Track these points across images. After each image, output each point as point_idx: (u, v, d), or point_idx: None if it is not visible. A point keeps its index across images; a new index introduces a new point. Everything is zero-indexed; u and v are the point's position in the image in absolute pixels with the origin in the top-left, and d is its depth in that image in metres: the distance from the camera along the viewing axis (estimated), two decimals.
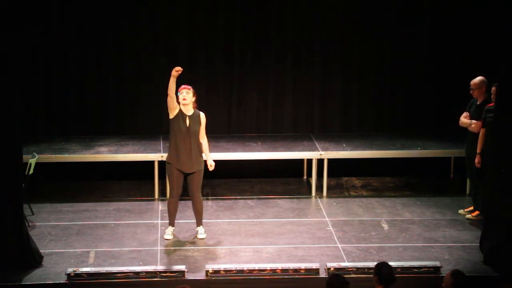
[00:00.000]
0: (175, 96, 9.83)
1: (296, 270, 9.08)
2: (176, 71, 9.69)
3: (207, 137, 10.11)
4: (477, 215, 10.76)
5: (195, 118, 9.94)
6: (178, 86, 9.85)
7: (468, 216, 10.86)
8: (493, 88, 10.20)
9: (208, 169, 10.11)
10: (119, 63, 12.53)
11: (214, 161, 10.16)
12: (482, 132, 10.40)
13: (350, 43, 12.74)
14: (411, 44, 12.74)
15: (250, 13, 12.58)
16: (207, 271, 9.03)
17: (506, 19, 9.17)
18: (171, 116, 9.90)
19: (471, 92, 10.62)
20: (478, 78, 10.61)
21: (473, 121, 10.58)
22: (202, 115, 10.03)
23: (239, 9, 12.57)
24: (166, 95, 9.83)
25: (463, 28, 12.60)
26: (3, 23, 8.75)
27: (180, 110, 9.90)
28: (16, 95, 9.00)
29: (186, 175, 10.00)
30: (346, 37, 12.72)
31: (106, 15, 12.37)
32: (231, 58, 12.69)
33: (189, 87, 9.95)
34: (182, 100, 9.87)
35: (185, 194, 10.19)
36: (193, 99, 9.95)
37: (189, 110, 9.93)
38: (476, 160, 10.47)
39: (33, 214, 10.83)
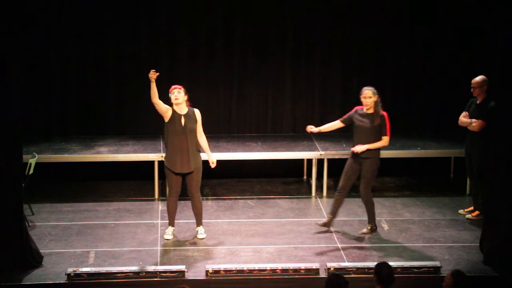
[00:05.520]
0: (160, 101, 9.72)
1: (296, 270, 9.07)
2: (152, 76, 9.53)
3: (206, 136, 10.06)
4: (477, 215, 10.76)
5: (190, 116, 9.86)
6: (169, 87, 9.84)
7: (468, 216, 10.86)
8: (477, 90, 10.36)
9: (210, 167, 10.10)
10: (119, 63, 12.54)
11: None
12: None
13: (350, 43, 12.75)
14: (411, 44, 12.74)
15: (250, 12, 12.58)
16: (207, 271, 9.02)
17: (506, 19, 9.16)
18: (166, 119, 9.83)
19: (472, 90, 10.62)
20: (480, 77, 10.60)
21: (473, 120, 10.58)
22: (197, 112, 9.95)
23: (239, 8, 12.57)
24: (163, 95, 9.80)
25: (463, 28, 12.60)
26: (3, 23, 8.75)
27: (174, 111, 9.82)
28: (16, 95, 9.00)
29: (184, 175, 9.98)
30: (346, 37, 12.73)
31: (106, 15, 12.37)
32: (231, 58, 12.69)
33: (180, 86, 9.88)
34: (175, 100, 9.79)
35: (185, 194, 10.19)
36: (185, 97, 9.86)
37: (183, 109, 9.85)
38: None
39: (33, 214, 10.82)
